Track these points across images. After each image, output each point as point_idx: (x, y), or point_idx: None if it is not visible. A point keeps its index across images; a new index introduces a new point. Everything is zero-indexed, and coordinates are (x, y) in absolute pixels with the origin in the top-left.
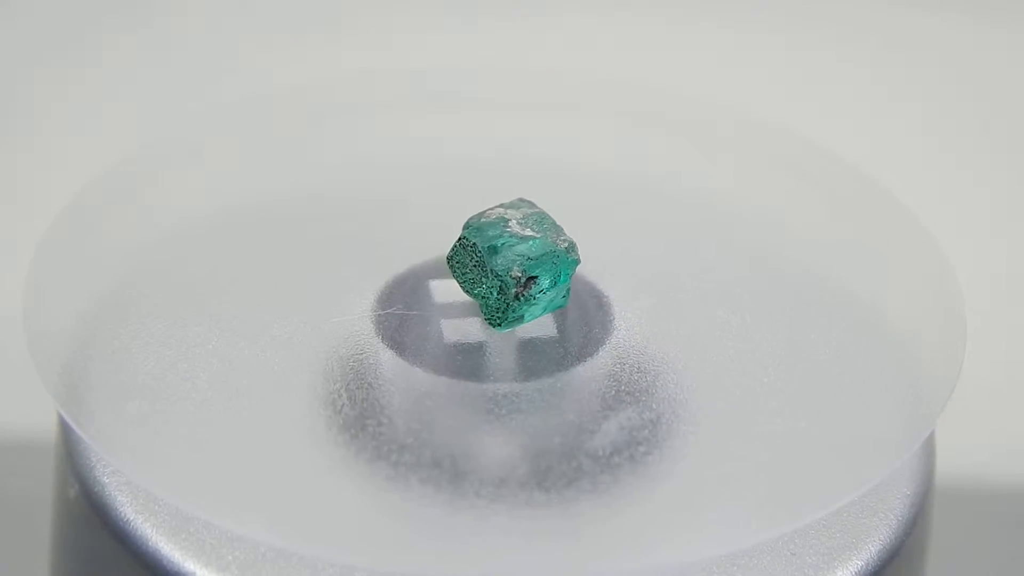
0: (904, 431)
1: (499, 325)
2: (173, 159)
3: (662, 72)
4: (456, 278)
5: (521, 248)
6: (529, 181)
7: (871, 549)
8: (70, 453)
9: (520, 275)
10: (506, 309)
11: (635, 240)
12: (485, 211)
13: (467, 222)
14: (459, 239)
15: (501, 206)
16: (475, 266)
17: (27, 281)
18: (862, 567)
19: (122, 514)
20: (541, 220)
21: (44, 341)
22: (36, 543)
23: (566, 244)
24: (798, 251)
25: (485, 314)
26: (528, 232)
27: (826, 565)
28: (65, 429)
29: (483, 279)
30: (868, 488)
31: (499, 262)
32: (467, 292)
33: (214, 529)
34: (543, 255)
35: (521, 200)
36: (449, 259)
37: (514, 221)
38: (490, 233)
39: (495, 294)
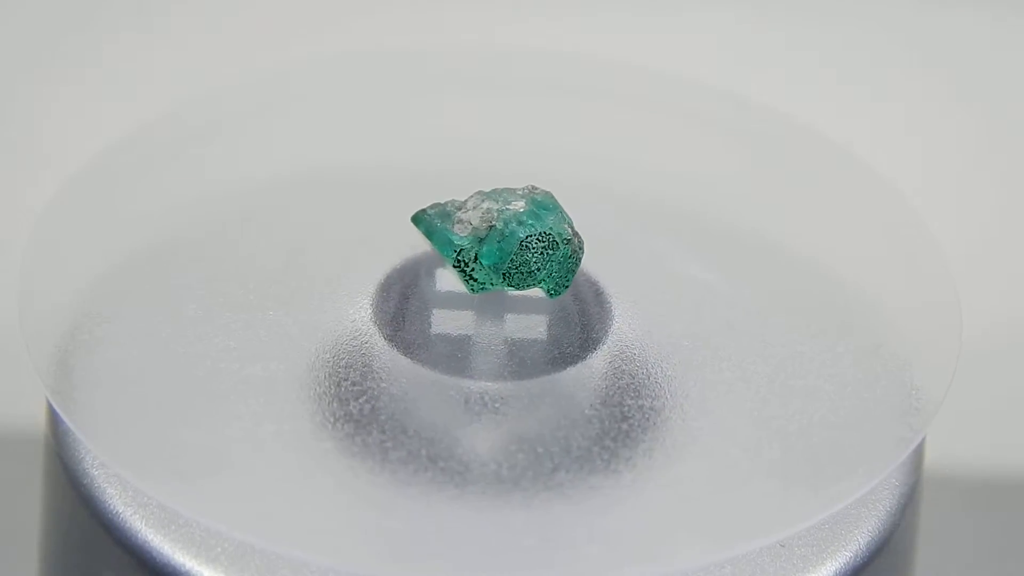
0: (894, 438)
1: (567, 287)
2: (167, 143)
3: (662, 67)
4: (518, 288)
5: (544, 213)
6: (533, 164)
7: (860, 540)
8: (59, 444)
9: (573, 230)
10: (575, 266)
11: (630, 236)
12: (463, 222)
13: (473, 239)
14: (520, 245)
15: (452, 218)
16: (541, 254)
17: (22, 266)
18: (851, 558)
19: (111, 506)
20: (499, 192)
21: (37, 335)
22: (25, 534)
23: (537, 190)
24: (793, 250)
25: (551, 288)
26: (521, 203)
27: (815, 556)
28: (55, 420)
29: (551, 259)
30: (853, 499)
31: (557, 231)
32: (531, 287)
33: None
34: (551, 208)
35: (435, 207)
36: (507, 275)
37: (507, 205)
38: (527, 218)
39: (566, 260)
